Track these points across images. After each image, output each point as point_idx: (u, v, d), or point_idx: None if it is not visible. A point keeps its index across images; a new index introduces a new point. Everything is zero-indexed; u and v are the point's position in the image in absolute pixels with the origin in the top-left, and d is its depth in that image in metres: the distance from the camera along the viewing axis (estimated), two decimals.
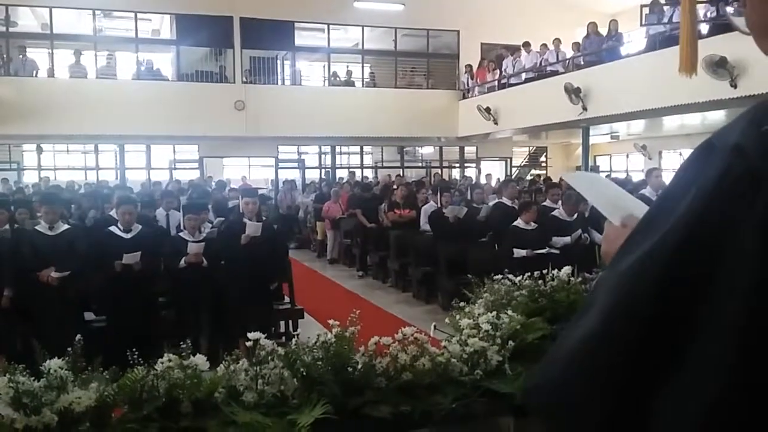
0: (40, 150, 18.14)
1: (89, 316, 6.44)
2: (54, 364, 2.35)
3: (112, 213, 7.18)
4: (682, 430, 0.59)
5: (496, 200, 10.54)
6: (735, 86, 10.04)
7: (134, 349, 2.51)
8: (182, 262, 6.27)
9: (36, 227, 6.17)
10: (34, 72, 16.57)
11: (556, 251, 7.49)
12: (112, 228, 6.35)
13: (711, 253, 0.59)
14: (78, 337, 2.48)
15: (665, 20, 12.22)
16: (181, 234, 6.63)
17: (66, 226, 6.28)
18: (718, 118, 13.96)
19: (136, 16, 17.35)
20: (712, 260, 0.59)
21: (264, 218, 7.44)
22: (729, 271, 0.58)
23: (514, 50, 17.47)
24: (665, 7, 12.25)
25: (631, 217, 0.92)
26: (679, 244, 0.61)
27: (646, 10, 12.75)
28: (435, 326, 3.30)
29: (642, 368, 0.62)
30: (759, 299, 0.56)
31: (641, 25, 12.73)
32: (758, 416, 0.55)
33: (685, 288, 0.60)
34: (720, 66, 9.97)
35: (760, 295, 0.56)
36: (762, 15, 0.70)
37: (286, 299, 7.47)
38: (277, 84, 18.81)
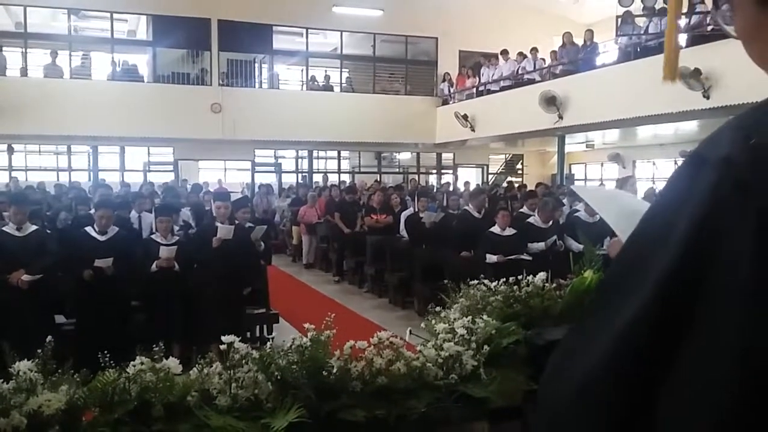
0: (11, 150, 17.83)
1: (60, 318, 6.34)
2: (23, 366, 2.31)
3: (92, 212, 7.08)
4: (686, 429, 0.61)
5: (464, 208, 10.58)
6: (708, 97, 10.20)
7: (106, 352, 2.47)
8: (154, 265, 6.22)
9: (3, 228, 6.05)
10: (6, 70, 16.31)
11: (528, 258, 7.54)
12: (88, 228, 6.28)
13: (710, 264, 0.62)
14: (49, 338, 2.44)
15: (641, 31, 12.38)
16: (153, 237, 6.57)
17: (34, 227, 6.17)
18: (690, 128, 14.19)
19: (111, 16, 17.18)
20: (711, 270, 0.61)
21: (238, 222, 7.38)
22: (725, 277, 0.61)
23: (491, 58, 17.61)
24: (639, 19, 12.40)
25: None
26: (679, 258, 0.63)
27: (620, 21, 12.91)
28: (410, 331, 3.30)
29: (646, 368, 0.64)
30: (755, 301, 0.59)
31: (616, 35, 12.89)
32: (759, 415, 0.57)
33: (685, 294, 0.63)
34: (693, 77, 10.13)
35: (756, 297, 0.59)
36: (748, 20, 0.71)
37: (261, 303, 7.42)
38: (254, 87, 18.74)
